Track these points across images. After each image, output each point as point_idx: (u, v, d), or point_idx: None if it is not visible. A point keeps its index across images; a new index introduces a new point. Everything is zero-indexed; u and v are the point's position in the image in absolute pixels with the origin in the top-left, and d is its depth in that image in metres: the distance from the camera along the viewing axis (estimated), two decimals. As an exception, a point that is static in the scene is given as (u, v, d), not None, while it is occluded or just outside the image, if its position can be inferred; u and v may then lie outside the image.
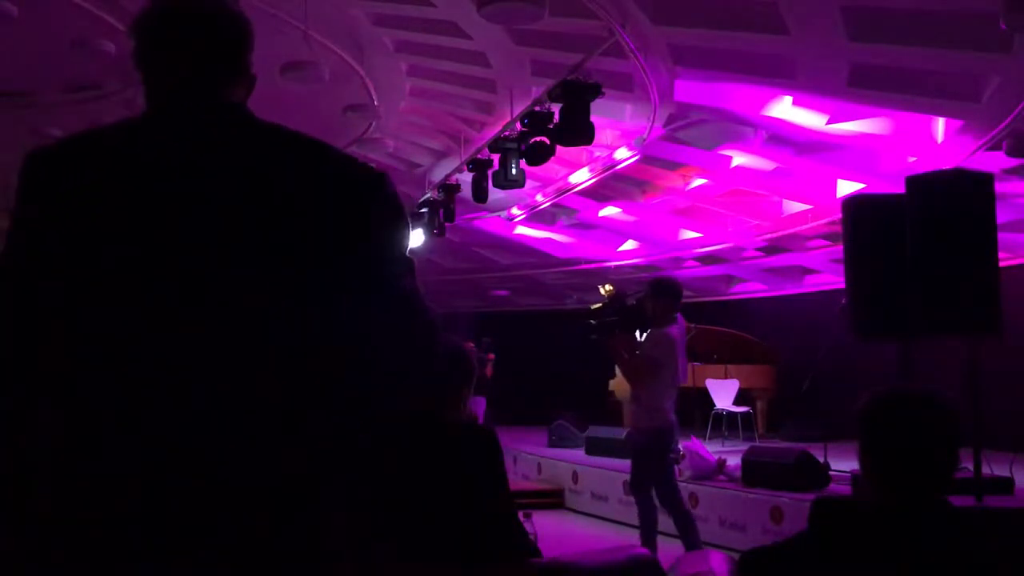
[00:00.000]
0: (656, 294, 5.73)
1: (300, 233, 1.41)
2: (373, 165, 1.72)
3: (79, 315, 1.40)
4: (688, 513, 5.83)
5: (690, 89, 7.94)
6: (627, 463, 9.07)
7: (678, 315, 5.87)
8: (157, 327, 1.38)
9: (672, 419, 5.71)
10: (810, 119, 8.19)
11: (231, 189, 1.41)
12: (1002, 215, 6.78)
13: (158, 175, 1.41)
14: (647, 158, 9.88)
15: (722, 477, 7.68)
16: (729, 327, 12.58)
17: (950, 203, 6.28)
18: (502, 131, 8.74)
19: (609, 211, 12.47)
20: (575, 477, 9.52)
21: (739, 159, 9.78)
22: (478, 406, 11.55)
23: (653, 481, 5.70)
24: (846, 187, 9.54)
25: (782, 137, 8.81)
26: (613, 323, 5.90)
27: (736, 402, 11.00)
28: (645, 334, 5.90)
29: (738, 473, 7.53)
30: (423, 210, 11.69)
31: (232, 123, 1.49)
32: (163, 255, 1.39)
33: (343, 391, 1.45)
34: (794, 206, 10.88)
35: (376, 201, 1.48)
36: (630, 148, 9.63)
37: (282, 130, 1.50)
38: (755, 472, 7.34)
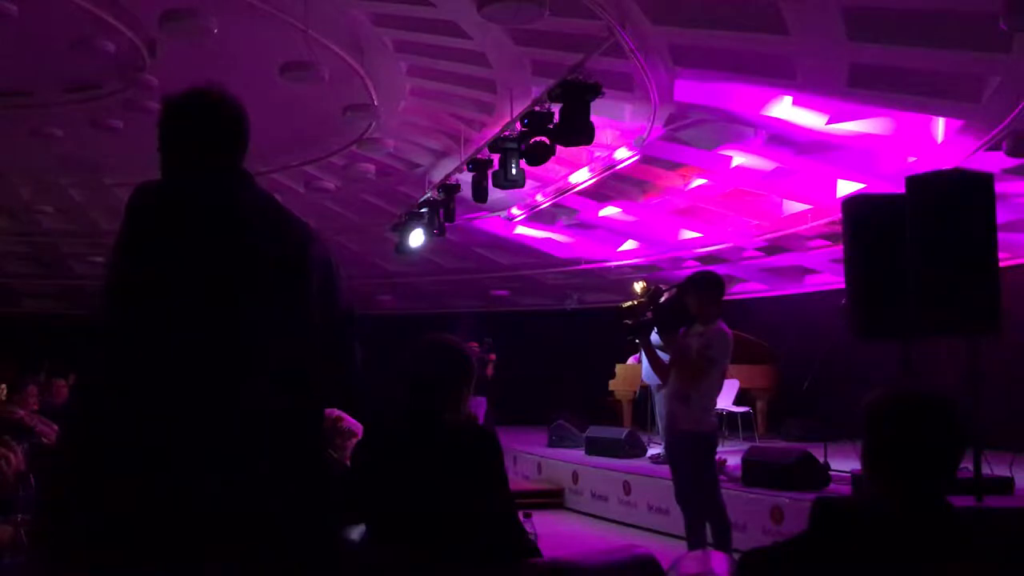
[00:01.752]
0: (699, 288, 5.38)
1: (282, 275, 1.92)
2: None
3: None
4: (728, 522, 5.42)
5: (690, 89, 7.94)
6: (626, 463, 9.18)
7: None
8: (175, 333, 1.84)
9: (715, 421, 5.57)
10: (810, 119, 8.18)
11: (236, 239, 1.93)
12: (1002, 215, 6.78)
13: (187, 226, 1.93)
14: (647, 158, 9.88)
15: (722, 477, 7.67)
16: (729, 327, 12.56)
17: (950, 203, 6.27)
18: (502, 131, 8.73)
19: (609, 211, 12.46)
20: (575, 477, 9.52)
21: (739, 159, 9.78)
22: (478, 406, 11.54)
23: (702, 488, 5.36)
24: (846, 187, 9.54)
25: (782, 137, 8.81)
26: (652, 322, 5.68)
27: (736, 402, 10.99)
28: (684, 331, 5.46)
29: (738, 473, 7.53)
30: (423, 210, 11.68)
31: (239, 188, 2.00)
32: (184, 284, 1.87)
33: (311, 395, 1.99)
34: (794, 206, 10.87)
35: (326, 268, 2.05)
36: (630, 148, 9.63)
37: (272, 200, 2.04)
38: (755, 472, 7.34)
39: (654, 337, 5.95)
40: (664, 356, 5.73)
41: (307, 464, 1.96)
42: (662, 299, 5.86)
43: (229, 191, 1.99)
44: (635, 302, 5.95)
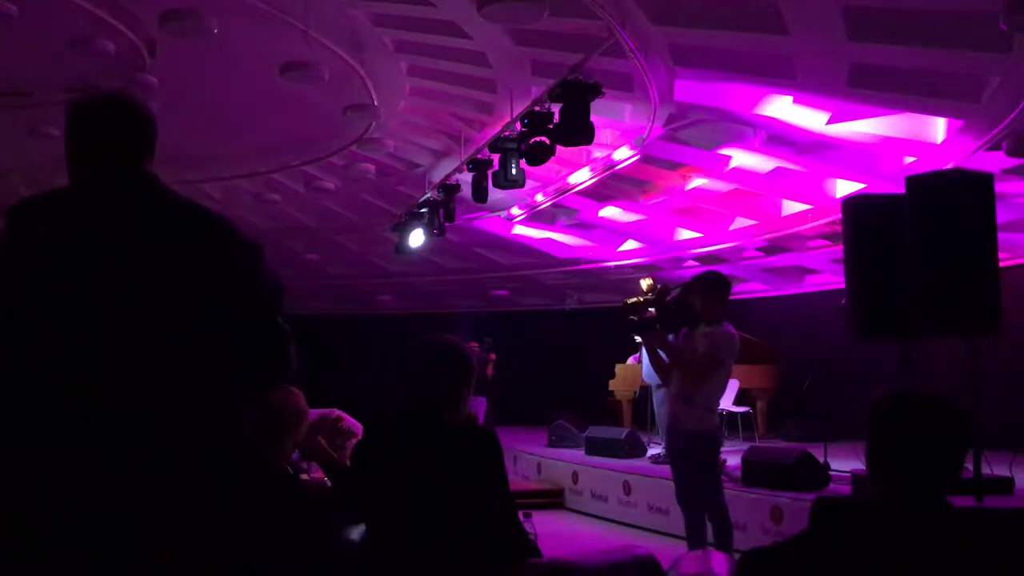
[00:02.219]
0: (705, 288, 5.33)
1: (188, 275, 1.92)
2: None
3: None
4: (730, 522, 5.42)
5: (690, 89, 7.94)
6: (626, 463, 9.18)
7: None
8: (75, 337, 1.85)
9: (718, 421, 5.54)
10: (810, 119, 8.19)
11: (142, 240, 1.93)
12: (1002, 215, 6.78)
13: (91, 229, 1.92)
14: (647, 158, 9.88)
15: (722, 477, 7.67)
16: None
17: (950, 203, 6.27)
18: (502, 131, 8.73)
19: (609, 211, 12.47)
20: (575, 477, 9.52)
21: (739, 159, 9.78)
22: (478, 406, 11.55)
23: (704, 488, 5.34)
24: (846, 187, 9.54)
25: (782, 137, 8.81)
26: (655, 320, 5.67)
27: (736, 402, 10.99)
28: (687, 331, 5.43)
29: (738, 473, 7.53)
30: (423, 210, 11.68)
31: (144, 192, 2.01)
32: (87, 293, 1.87)
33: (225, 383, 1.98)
34: (794, 206, 10.88)
35: (246, 255, 2.03)
36: (630, 148, 9.63)
37: (181, 199, 2.03)
38: (755, 472, 7.34)
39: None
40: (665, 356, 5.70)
41: (238, 460, 1.99)
42: (668, 298, 5.84)
43: (144, 193, 2.01)
44: (640, 299, 5.89)
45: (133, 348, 1.86)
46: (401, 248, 12.75)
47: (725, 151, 9.63)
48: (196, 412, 1.90)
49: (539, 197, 11.93)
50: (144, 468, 1.82)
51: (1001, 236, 6.48)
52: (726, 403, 10.90)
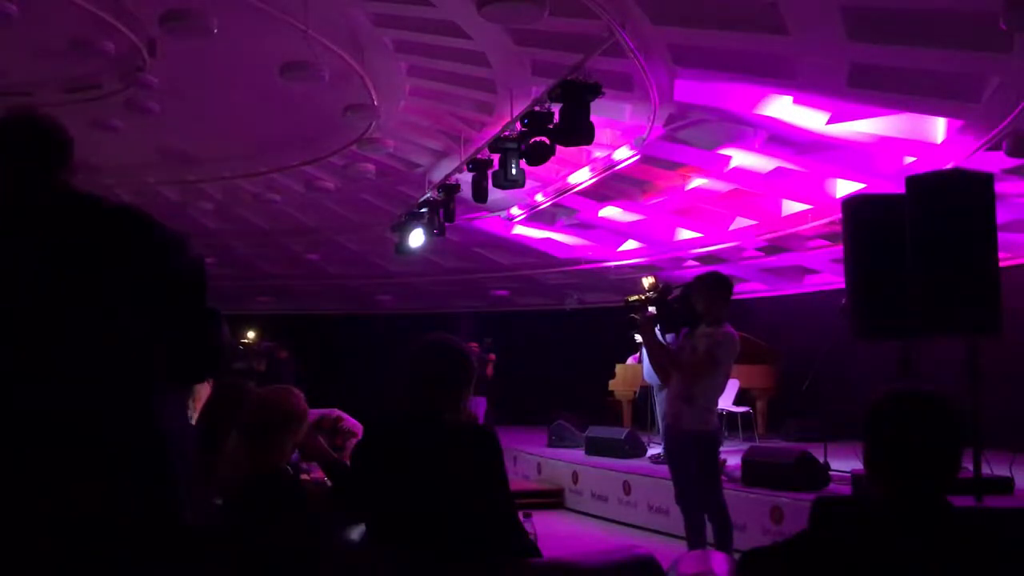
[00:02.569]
0: (707, 288, 5.33)
1: (100, 273, 1.95)
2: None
3: None
4: (730, 522, 5.40)
5: (690, 89, 7.94)
6: (626, 463, 9.19)
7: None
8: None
9: (718, 421, 5.55)
10: (810, 119, 8.19)
11: (49, 243, 1.97)
12: (1002, 215, 6.78)
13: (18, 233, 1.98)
14: (647, 158, 9.88)
15: (722, 477, 7.67)
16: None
17: (950, 203, 6.27)
18: (502, 131, 8.73)
19: (609, 211, 12.47)
20: (575, 477, 9.52)
21: (739, 159, 9.78)
22: (478, 406, 11.56)
23: (703, 487, 5.34)
24: (846, 187, 9.54)
25: (782, 137, 8.81)
26: (656, 318, 5.58)
27: (736, 402, 10.99)
28: (688, 331, 5.46)
29: (738, 473, 7.53)
30: (423, 210, 11.68)
31: (52, 198, 2.06)
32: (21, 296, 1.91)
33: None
34: (794, 206, 10.88)
35: (163, 247, 2.05)
36: (630, 148, 9.63)
37: (94, 200, 2.08)
38: (755, 472, 7.34)
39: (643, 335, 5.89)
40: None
41: (158, 457, 1.98)
42: (670, 297, 5.84)
43: (52, 199, 2.05)
44: (641, 296, 5.88)
45: (44, 351, 1.87)
46: (401, 248, 12.74)
47: (725, 151, 9.63)
48: (115, 409, 1.91)
49: (539, 197, 11.93)
50: (58, 470, 1.82)
51: (1001, 236, 6.47)
52: (726, 403, 10.90)
